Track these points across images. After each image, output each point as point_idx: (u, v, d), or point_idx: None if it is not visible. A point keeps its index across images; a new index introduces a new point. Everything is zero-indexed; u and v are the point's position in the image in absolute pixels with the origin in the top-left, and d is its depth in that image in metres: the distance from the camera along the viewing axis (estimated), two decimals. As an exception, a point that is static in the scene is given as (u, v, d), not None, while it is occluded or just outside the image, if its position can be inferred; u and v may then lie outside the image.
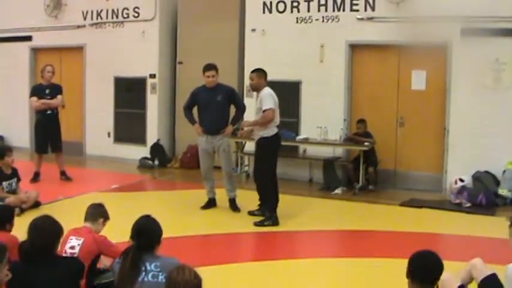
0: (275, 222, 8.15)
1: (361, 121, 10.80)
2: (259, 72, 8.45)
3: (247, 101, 10.78)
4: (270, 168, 8.35)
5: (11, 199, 8.25)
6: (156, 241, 4.26)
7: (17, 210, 8.09)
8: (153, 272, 4.05)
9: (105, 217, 5.30)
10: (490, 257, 6.72)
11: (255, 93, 8.91)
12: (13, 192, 8.57)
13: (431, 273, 3.75)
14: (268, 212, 8.26)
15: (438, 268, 3.77)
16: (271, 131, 8.28)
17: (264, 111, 8.15)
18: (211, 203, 9.11)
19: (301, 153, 11.58)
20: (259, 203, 8.60)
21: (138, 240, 4.19)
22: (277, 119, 8.38)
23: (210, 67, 8.75)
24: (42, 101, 10.47)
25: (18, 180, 8.80)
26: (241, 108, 9.04)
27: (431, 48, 10.47)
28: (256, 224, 8.14)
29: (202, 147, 8.99)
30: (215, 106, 8.71)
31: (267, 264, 6.69)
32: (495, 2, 9.87)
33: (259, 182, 8.45)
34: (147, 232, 4.25)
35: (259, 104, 8.29)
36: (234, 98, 8.98)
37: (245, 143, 11.45)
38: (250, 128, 8.73)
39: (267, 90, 8.27)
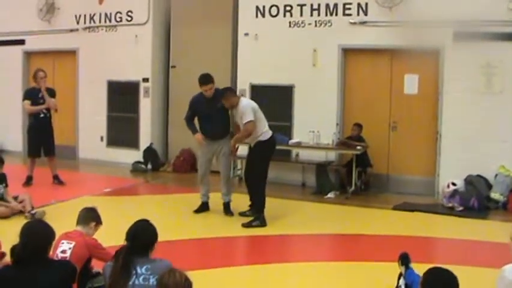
0: (263, 223, 8.26)
1: (357, 125, 10.82)
2: (225, 95, 8.45)
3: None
4: (263, 171, 8.47)
5: (1, 209, 8.26)
6: (149, 245, 4.25)
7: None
8: (144, 276, 4.04)
9: (97, 221, 5.28)
10: (481, 261, 6.77)
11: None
12: (0, 197, 8.54)
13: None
14: (256, 212, 8.35)
15: (455, 285, 3.55)
16: (266, 134, 8.41)
17: (246, 123, 8.24)
18: (204, 207, 9.12)
19: (294, 157, 11.60)
20: (250, 203, 8.69)
21: (131, 242, 4.19)
22: (264, 125, 8.44)
23: (205, 81, 8.66)
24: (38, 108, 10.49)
25: (6, 185, 8.75)
26: None
27: (423, 53, 10.50)
28: (244, 225, 8.23)
29: (202, 151, 9.03)
30: (215, 114, 8.69)
31: (259, 268, 6.69)
32: (487, 6, 9.91)
33: (251, 183, 8.54)
34: (141, 235, 4.25)
35: (240, 120, 8.39)
36: None
37: (238, 146, 11.43)
38: (237, 146, 8.93)
39: (244, 102, 8.34)
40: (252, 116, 8.19)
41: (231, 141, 8.79)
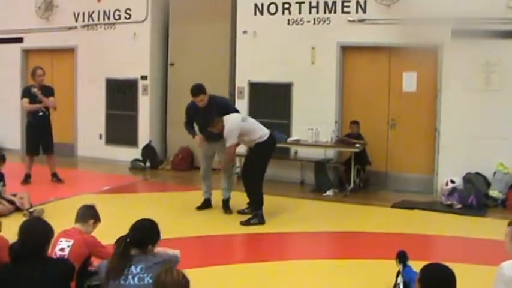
0: (261, 221, 8.28)
1: (355, 122, 10.83)
2: (211, 125, 8.45)
3: (239, 103, 10.86)
4: (262, 170, 8.52)
5: None
6: (147, 241, 4.27)
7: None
8: (139, 275, 4.04)
9: (96, 219, 5.27)
10: (480, 258, 6.78)
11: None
12: None
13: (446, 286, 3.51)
14: (254, 210, 8.38)
15: (453, 280, 3.51)
16: (264, 136, 8.43)
17: (227, 147, 8.34)
18: (206, 204, 9.16)
19: (293, 155, 11.59)
20: (248, 201, 8.70)
21: (131, 234, 4.23)
22: (259, 130, 8.46)
23: (196, 93, 8.60)
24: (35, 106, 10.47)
25: (4, 184, 8.75)
26: None
27: (422, 50, 10.49)
28: (243, 223, 8.23)
29: (203, 149, 9.07)
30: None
31: (258, 266, 6.69)
32: (485, 4, 9.90)
33: (250, 182, 8.55)
34: (141, 230, 4.28)
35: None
36: (227, 109, 8.84)
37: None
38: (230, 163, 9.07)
39: (228, 125, 8.31)
40: (233, 139, 8.25)
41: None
